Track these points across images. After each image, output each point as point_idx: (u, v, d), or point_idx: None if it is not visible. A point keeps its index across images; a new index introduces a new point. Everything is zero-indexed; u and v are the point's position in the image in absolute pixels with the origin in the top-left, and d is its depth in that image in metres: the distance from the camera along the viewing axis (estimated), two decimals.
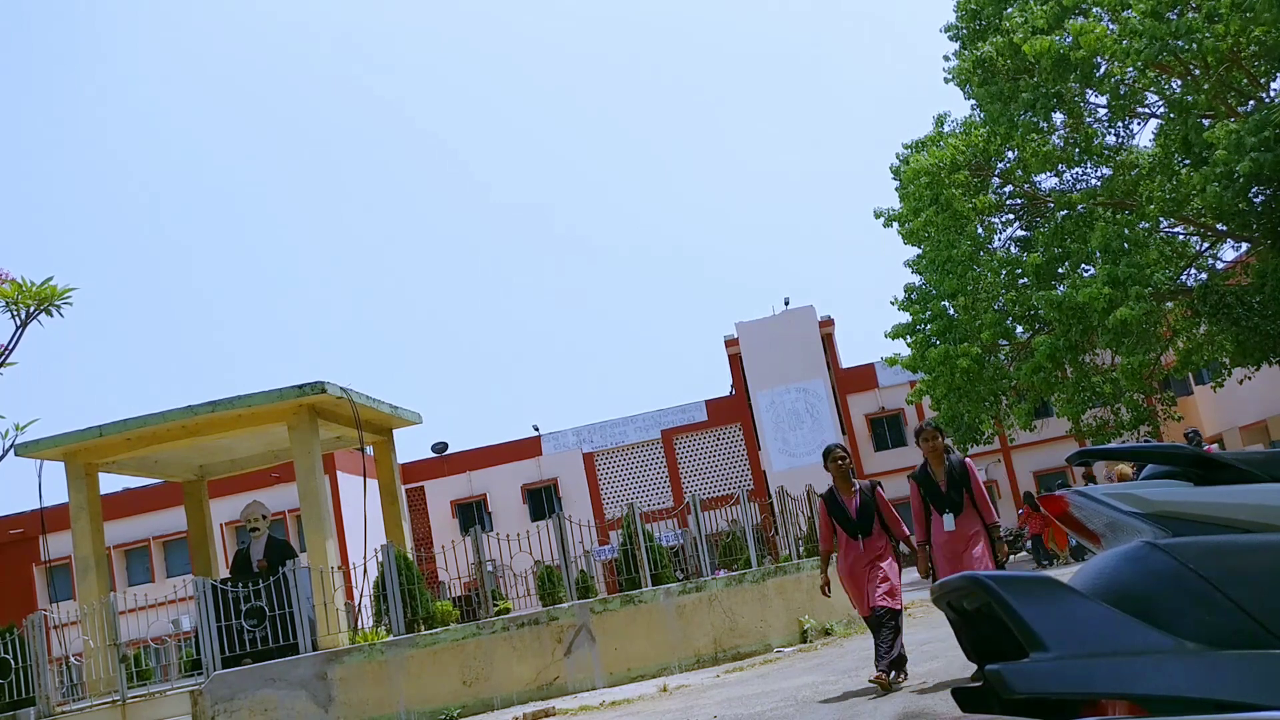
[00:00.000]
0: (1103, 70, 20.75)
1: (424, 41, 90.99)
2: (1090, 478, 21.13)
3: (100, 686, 12.16)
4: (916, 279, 25.73)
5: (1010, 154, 22.97)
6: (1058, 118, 22.16)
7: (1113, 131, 23.04)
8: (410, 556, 12.80)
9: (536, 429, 42.71)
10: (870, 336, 77.71)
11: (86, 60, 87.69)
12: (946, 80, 23.69)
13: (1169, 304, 21.79)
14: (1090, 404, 23.20)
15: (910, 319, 25.54)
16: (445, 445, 42.62)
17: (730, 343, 41.65)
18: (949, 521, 7.82)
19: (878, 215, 25.12)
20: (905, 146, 25.05)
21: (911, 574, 11.96)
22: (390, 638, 11.76)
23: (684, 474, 41.11)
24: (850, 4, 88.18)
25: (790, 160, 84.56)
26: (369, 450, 15.05)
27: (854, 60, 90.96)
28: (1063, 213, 22.17)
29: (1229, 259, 23.85)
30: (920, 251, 25.04)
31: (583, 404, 79.78)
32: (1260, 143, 17.28)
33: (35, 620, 12.05)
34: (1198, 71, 19.73)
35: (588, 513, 35.03)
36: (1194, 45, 18.51)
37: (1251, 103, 20.19)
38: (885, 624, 8.12)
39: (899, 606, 8.27)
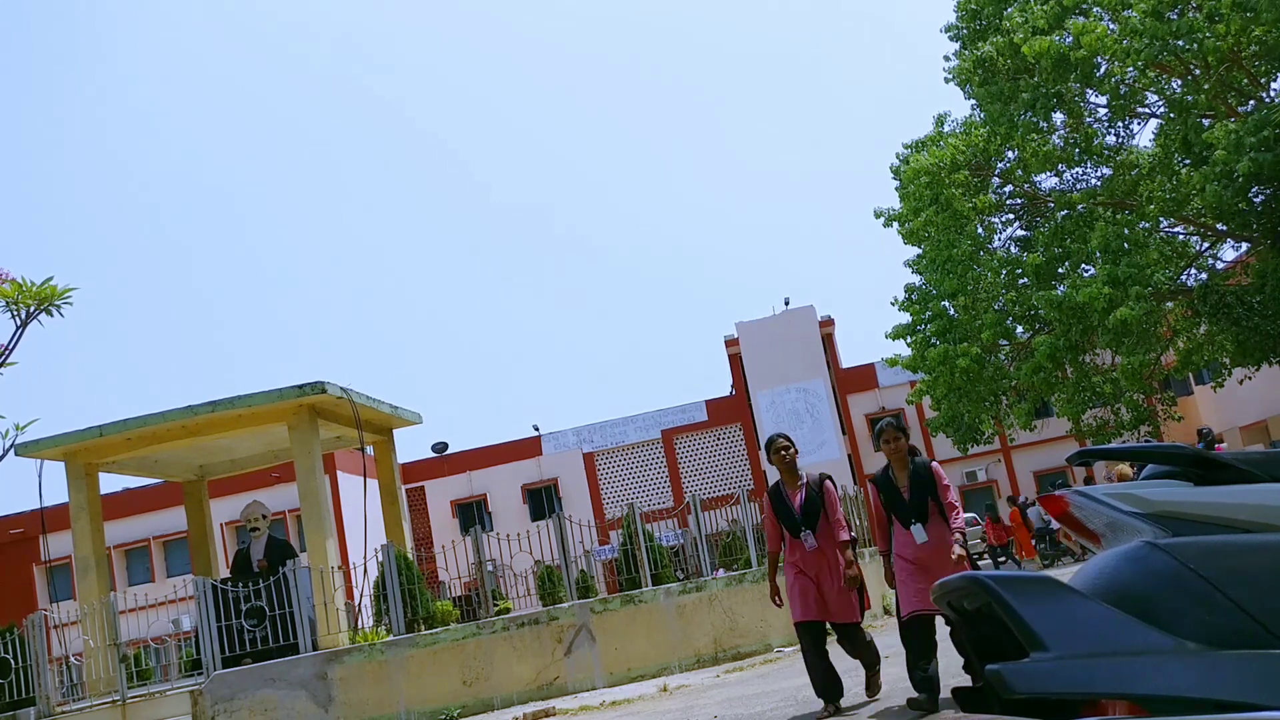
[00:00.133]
0: (1103, 70, 20.75)
1: (424, 41, 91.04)
2: (1090, 478, 21.13)
3: (100, 686, 12.17)
4: (916, 279, 25.70)
5: (1010, 154, 22.95)
6: (1058, 118, 22.15)
7: (1113, 131, 23.03)
8: (410, 556, 12.81)
9: (536, 429, 42.74)
10: (870, 336, 77.64)
11: (86, 60, 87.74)
12: (946, 80, 23.70)
13: (1169, 304, 21.77)
14: (1090, 404, 23.17)
15: (910, 319, 25.52)
16: (445, 445, 42.62)
17: (730, 343, 41.66)
18: (919, 533, 7.05)
19: (878, 215, 25.11)
20: (905, 146, 25.03)
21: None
22: (390, 638, 11.77)
23: (684, 474, 41.10)
24: (850, 4, 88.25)
25: (790, 160, 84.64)
26: (369, 450, 15.05)
27: (854, 60, 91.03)
28: (1063, 213, 22.16)
29: (1229, 259, 23.84)
30: (920, 251, 25.02)
31: (583, 404, 79.82)
32: (1260, 143, 17.28)
33: (35, 620, 12.06)
34: (1198, 71, 19.73)
35: (588, 513, 35.02)
36: (1194, 45, 18.52)
37: (1251, 103, 20.19)
38: (852, 638, 7.56)
39: (859, 619, 7.65)
